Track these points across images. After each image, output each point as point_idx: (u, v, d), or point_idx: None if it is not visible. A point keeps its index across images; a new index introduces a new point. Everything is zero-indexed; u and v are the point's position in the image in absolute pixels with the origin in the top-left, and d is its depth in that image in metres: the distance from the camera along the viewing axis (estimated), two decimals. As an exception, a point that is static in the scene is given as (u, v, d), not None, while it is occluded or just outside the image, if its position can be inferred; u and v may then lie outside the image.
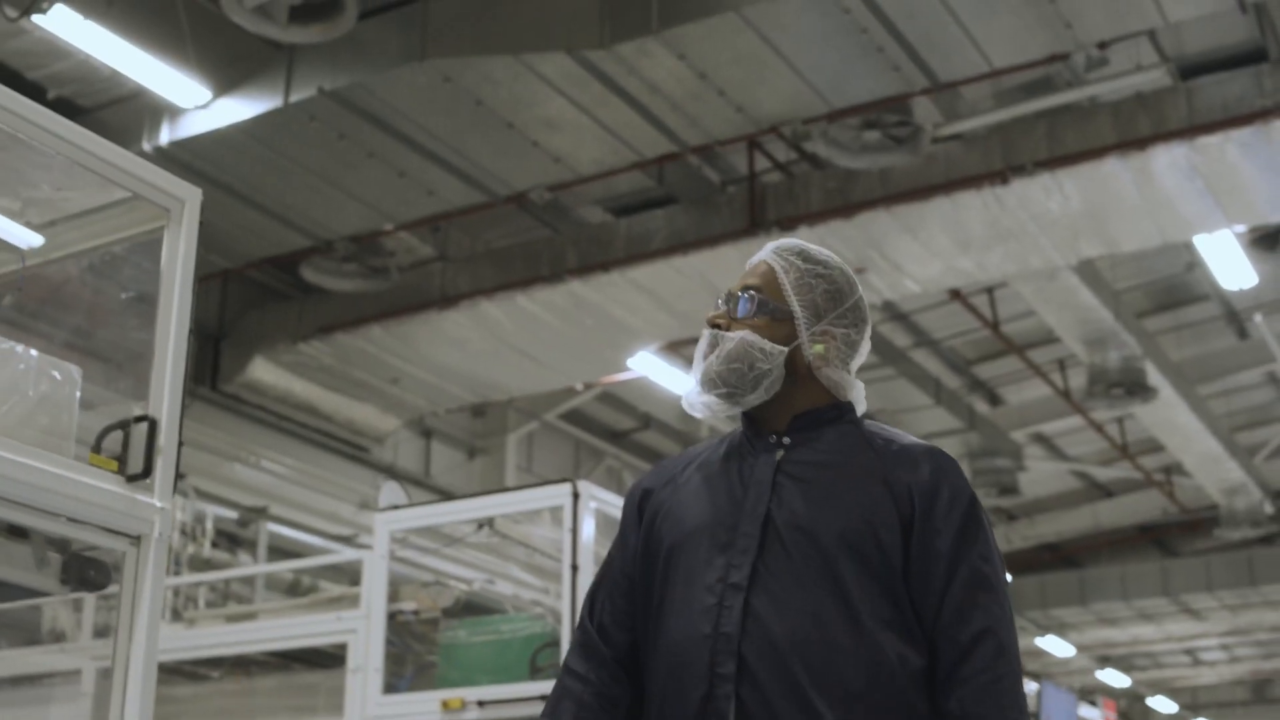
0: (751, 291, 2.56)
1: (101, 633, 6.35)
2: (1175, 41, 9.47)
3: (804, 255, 2.61)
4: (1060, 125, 9.58)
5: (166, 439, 3.44)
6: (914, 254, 10.33)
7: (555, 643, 5.43)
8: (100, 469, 3.33)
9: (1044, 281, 11.51)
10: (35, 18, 8.32)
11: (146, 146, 9.27)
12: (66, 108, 9.41)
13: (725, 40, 8.52)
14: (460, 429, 13.91)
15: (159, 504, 3.39)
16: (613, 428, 15.18)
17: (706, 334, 2.57)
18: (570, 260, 10.57)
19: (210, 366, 11.32)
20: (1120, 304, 12.50)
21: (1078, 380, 13.98)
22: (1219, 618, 18.21)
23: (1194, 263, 12.42)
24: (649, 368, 12.15)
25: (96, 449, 3.45)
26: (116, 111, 9.55)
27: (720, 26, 8.41)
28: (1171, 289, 13.78)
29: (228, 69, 9.14)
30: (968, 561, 2.42)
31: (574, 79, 8.86)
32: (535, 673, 5.45)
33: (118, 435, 3.52)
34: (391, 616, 5.75)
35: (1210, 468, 15.11)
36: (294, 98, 8.96)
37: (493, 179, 9.92)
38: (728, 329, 2.54)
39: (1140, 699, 22.32)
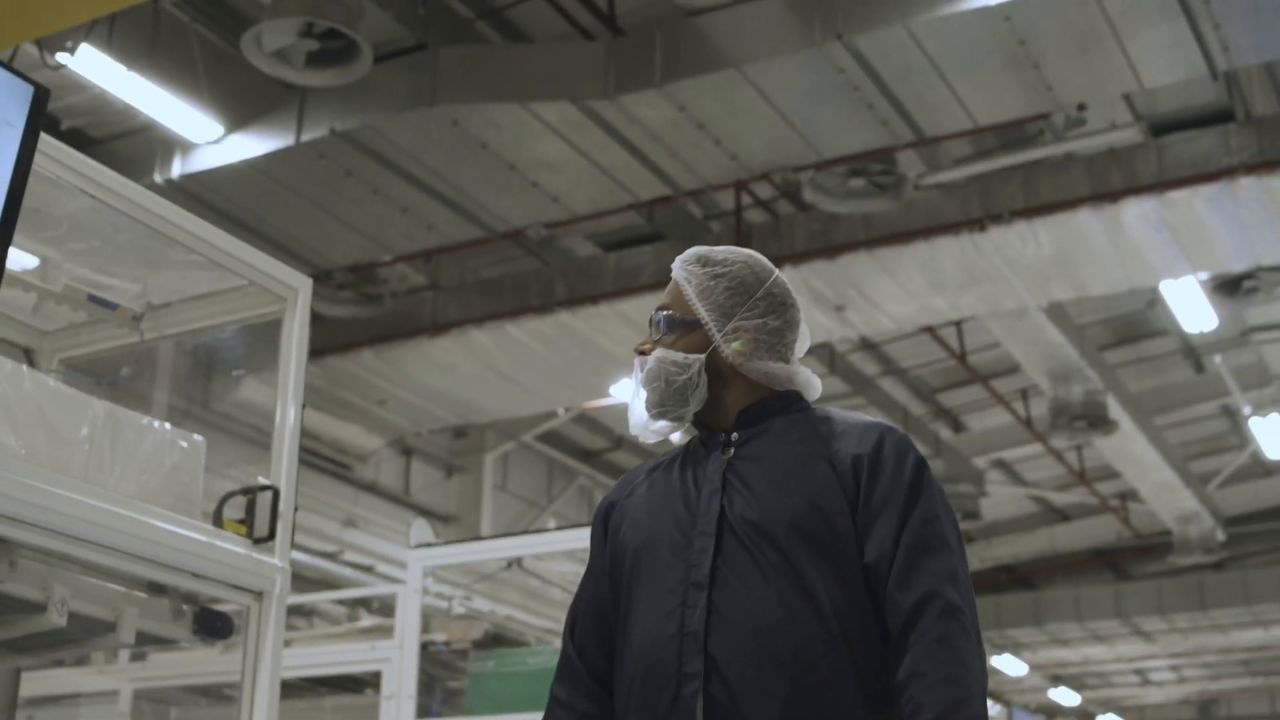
0: (663, 312, 2.69)
1: (138, 656, 6.77)
2: (1147, 101, 10.10)
3: (702, 260, 2.70)
4: (1036, 177, 10.19)
5: (285, 505, 3.93)
6: (891, 294, 10.92)
7: (582, 676, 5.91)
8: (231, 533, 3.82)
9: (1013, 320, 12.14)
10: (61, 56, 8.72)
11: (158, 179, 9.68)
12: (78, 139, 9.82)
13: (725, 94, 9.05)
14: (440, 448, 14.39)
15: (279, 564, 3.89)
16: (585, 447, 15.69)
17: (635, 363, 2.72)
18: (560, 292, 11.08)
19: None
20: (1084, 339, 13.13)
21: (1039, 409, 14.65)
22: (1169, 640, 18.95)
23: (1154, 300, 13.07)
24: (630, 394, 12.66)
25: (218, 512, 3.93)
26: (128, 143, 9.96)
27: (721, 81, 8.94)
28: (1132, 324, 14.44)
29: (240, 105, 9.56)
30: (910, 527, 2.45)
31: (576, 125, 9.37)
32: (563, 704, 5.92)
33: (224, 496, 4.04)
34: (423, 647, 6.24)
35: (1165, 496, 15.80)
36: (306, 136, 9.40)
37: (491, 215, 10.42)
38: (650, 351, 2.69)
39: (1090, 717, 23.09)
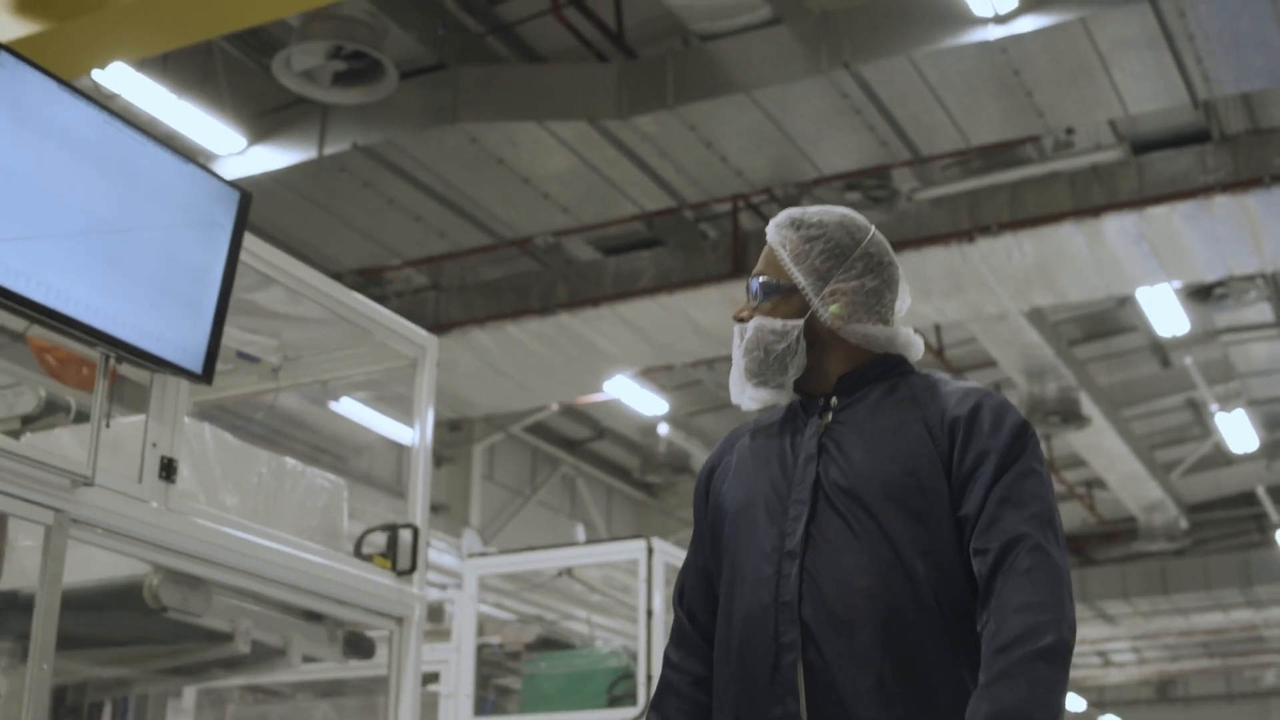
0: (759, 278, 2.69)
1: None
2: (1129, 122, 10.86)
3: (796, 223, 2.69)
4: (1022, 192, 10.94)
5: (421, 542, 4.60)
6: (881, 299, 11.66)
7: (631, 675, 6.64)
8: (378, 566, 4.49)
9: (992, 321, 12.92)
10: (93, 71, 9.24)
11: None
12: None
13: (733, 116, 9.73)
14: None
15: (417, 592, 4.56)
16: (569, 437, 16.37)
17: (735, 330, 2.71)
18: (561, 294, 11.73)
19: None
20: (1058, 337, 13.93)
21: (1012, 401, 15.48)
22: (1131, 623, 19.90)
23: (1125, 298, 13.88)
24: (622, 390, 13.37)
25: (359, 546, 4.60)
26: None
27: (730, 105, 9.63)
28: (1102, 319, 15.26)
29: (262, 119, 10.15)
30: (1002, 482, 2.46)
31: (589, 142, 10.03)
32: (613, 702, 6.65)
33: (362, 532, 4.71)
34: (479, 649, 6.92)
35: (1132, 486, 16.69)
36: (328, 150, 10.00)
37: (501, 224, 11.06)
38: (749, 319, 2.68)
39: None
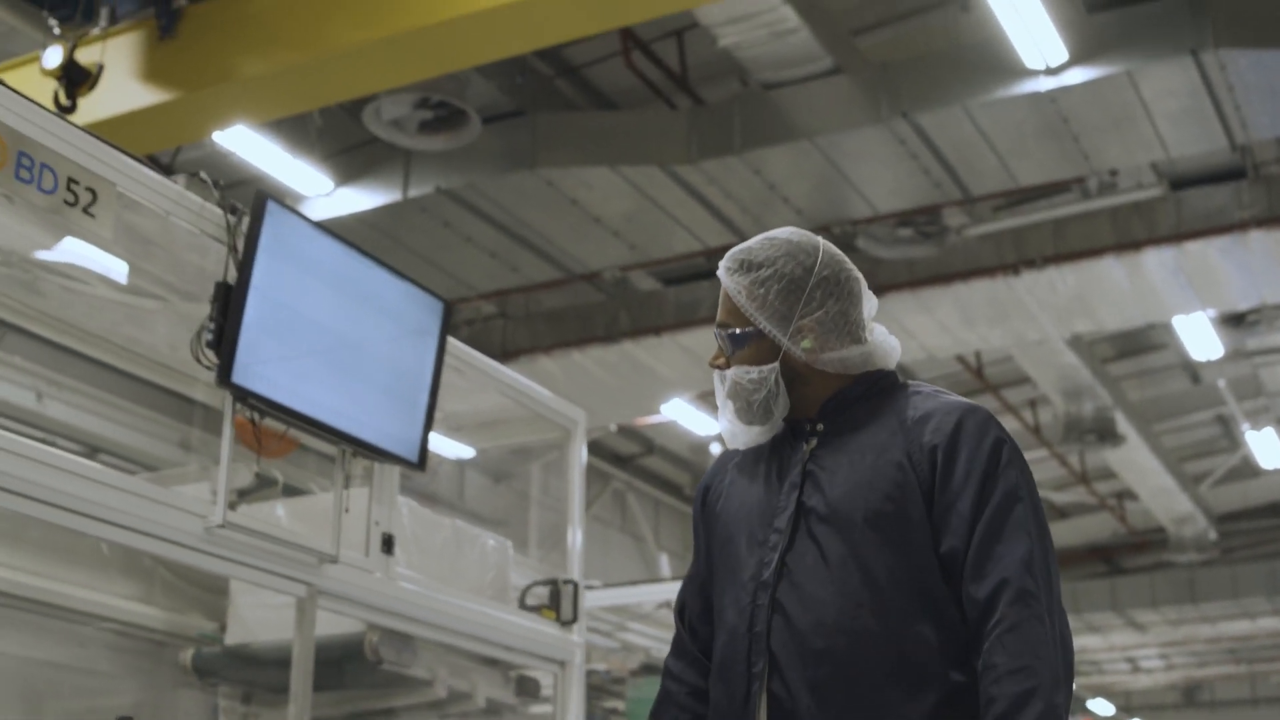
0: (725, 330, 2.69)
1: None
2: (1168, 160, 11.52)
3: (745, 265, 2.68)
4: (1066, 227, 11.61)
5: (580, 595, 5.30)
6: (928, 328, 12.35)
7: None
8: (544, 617, 5.19)
9: (1032, 345, 13.60)
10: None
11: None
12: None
13: (797, 161, 10.41)
14: (490, 458, 15.70)
15: (577, 639, 5.27)
16: (619, 453, 17.06)
17: (715, 377, 2.76)
18: (624, 323, 12.43)
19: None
20: (1094, 357, 14.59)
21: (1045, 416, 16.17)
22: (1160, 630, 20.58)
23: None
24: (677, 412, 14.08)
25: (523, 598, 5.30)
26: (237, 193, 11.13)
27: (794, 150, 10.29)
28: (1135, 338, 15.91)
29: (348, 162, 10.83)
30: (984, 515, 2.47)
31: (659, 185, 10.71)
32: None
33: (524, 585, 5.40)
34: (587, 674, 7.60)
35: (1162, 499, 17.37)
36: (412, 193, 10.68)
37: (571, 259, 11.75)
38: (726, 366, 2.70)
39: (1080, 701, 24.82)
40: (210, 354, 3.88)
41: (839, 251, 2.73)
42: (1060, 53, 9.33)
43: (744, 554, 2.62)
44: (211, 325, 3.87)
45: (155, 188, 4.02)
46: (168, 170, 10.35)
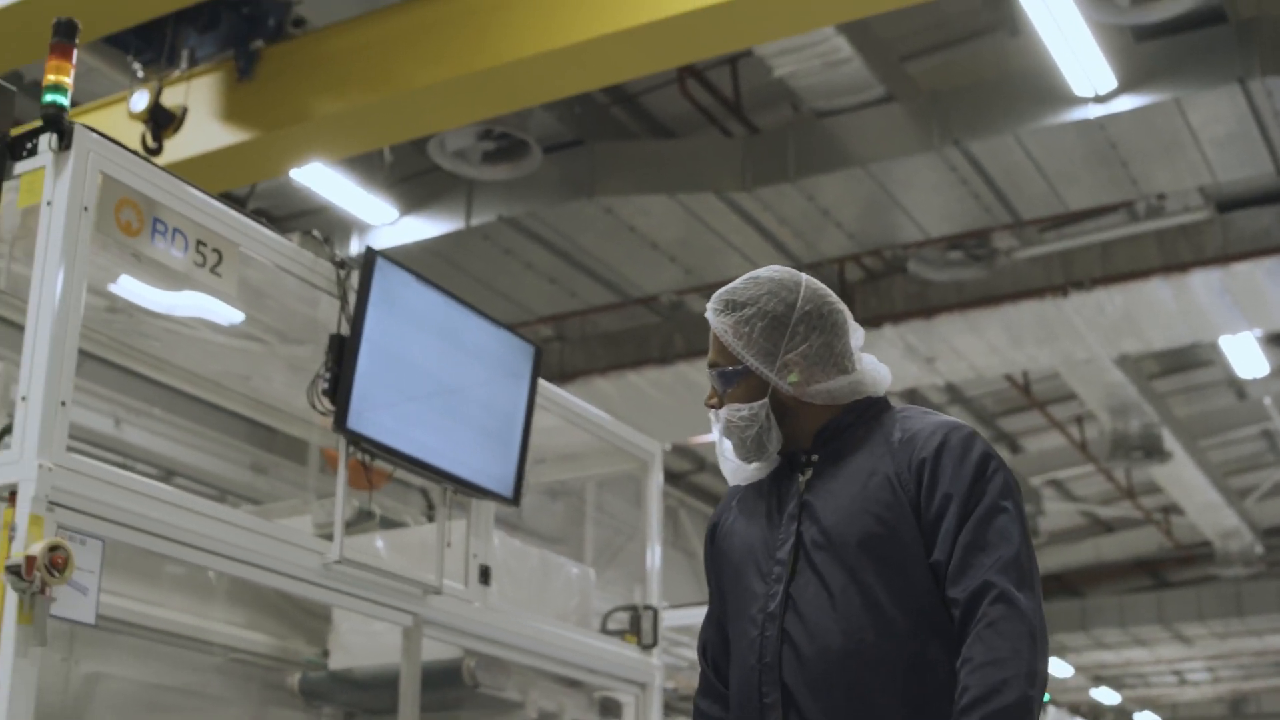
0: (716, 369, 2.80)
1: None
2: (1215, 182, 11.73)
3: (730, 305, 2.78)
4: (1113, 250, 11.83)
5: (660, 621, 5.58)
6: (978, 349, 12.60)
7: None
8: (627, 642, 5.47)
9: (1079, 363, 13.81)
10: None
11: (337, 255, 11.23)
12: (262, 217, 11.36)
13: (850, 187, 10.68)
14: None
15: (657, 663, 5.54)
16: (672, 470, 17.33)
17: (710, 416, 2.85)
18: (679, 345, 12.72)
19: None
20: (1140, 374, 14.78)
21: (1091, 432, 16.37)
22: (1206, 643, 20.72)
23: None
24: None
25: (604, 622, 5.58)
26: (305, 223, 11.51)
27: (848, 177, 10.56)
28: (1181, 354, 16.07)
29: (412, 190, 11.15)
30: (969, 525, 2.56)
31: (715, 212, 11.00)
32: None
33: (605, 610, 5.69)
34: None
35: (1208, 514, 17.52)
36: (474, 221, 10.99)
37: (629, 284, 12.05)
38: (719, 405, 2.81)
39: (1128, 714, 24.98)
40: (326, 401, 4.18)
41: (822, 286, 2.84)
42: (1109, 81, 9.53)
43: (752, 588, 2.70)
44: (327, 375, 4.16)
45: (273, 246, 4.32)
46: (242, 202, 10.74)
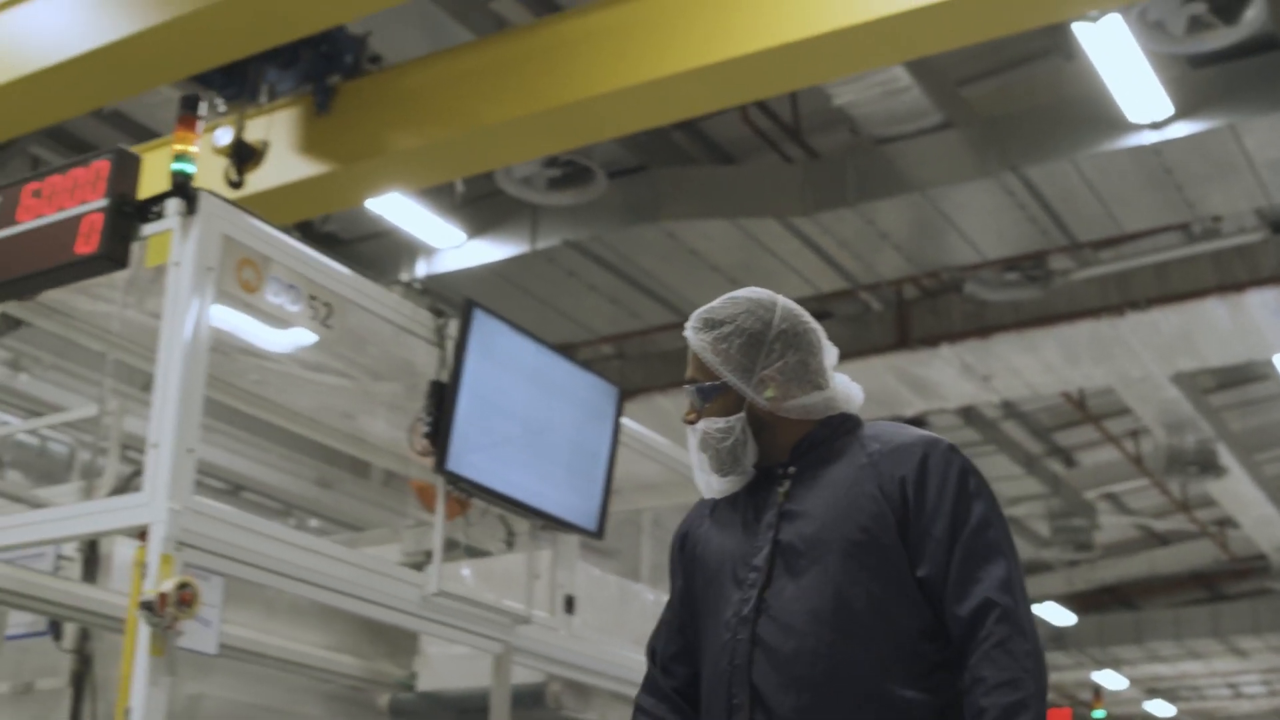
0: (693, 385, 2.86)
1: None
2: (1270, 205, 11.91)
3: (709, 323, 2.85)
4: (1169, 270, 12.01)
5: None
6: (1033, 367, 12.81)
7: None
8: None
9: (1135, 380, 13.97)
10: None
11: (405, 278, 11.57)
12: (329, 240, 11.71)
13: (908, 212, 10.92)
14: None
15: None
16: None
17: (689, 432, 2.89)
18: (736, 363, 12.97)
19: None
20: (1195, 389, 14.91)
21: (1146, 446, 16.50)
22: (1262, 656, 20.79)
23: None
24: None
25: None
26: (372, 245, 11.86)
27: (906, 202, 10.80)
28: (1237, 369, 16.18)
29: (478, 214, 11.46)
30: (961, 540, 2.64)
31: (776, 236, 11.27)
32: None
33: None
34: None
35: (1264, 528, 17.62)
36: (540, 245, 11.30)
37: (689, 305, 12.23)
38: (697, 421, 2.87)
39: (1182, 727, 25.14)
40: (427, 444, 4.48)
41: (797, 306, 2.94)
42: (1165, 108, 9.72)
43: (726, 594, 2.77)
44: (428, 419, 4.46)
45: (376, 297, 4.62)
46: (314, 226, 11.08)
